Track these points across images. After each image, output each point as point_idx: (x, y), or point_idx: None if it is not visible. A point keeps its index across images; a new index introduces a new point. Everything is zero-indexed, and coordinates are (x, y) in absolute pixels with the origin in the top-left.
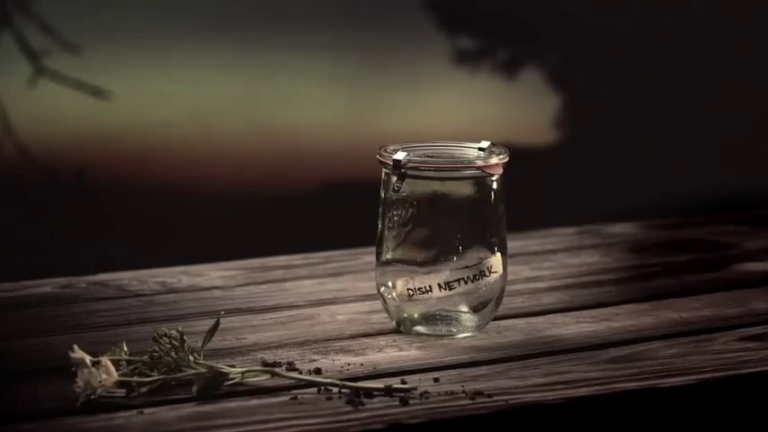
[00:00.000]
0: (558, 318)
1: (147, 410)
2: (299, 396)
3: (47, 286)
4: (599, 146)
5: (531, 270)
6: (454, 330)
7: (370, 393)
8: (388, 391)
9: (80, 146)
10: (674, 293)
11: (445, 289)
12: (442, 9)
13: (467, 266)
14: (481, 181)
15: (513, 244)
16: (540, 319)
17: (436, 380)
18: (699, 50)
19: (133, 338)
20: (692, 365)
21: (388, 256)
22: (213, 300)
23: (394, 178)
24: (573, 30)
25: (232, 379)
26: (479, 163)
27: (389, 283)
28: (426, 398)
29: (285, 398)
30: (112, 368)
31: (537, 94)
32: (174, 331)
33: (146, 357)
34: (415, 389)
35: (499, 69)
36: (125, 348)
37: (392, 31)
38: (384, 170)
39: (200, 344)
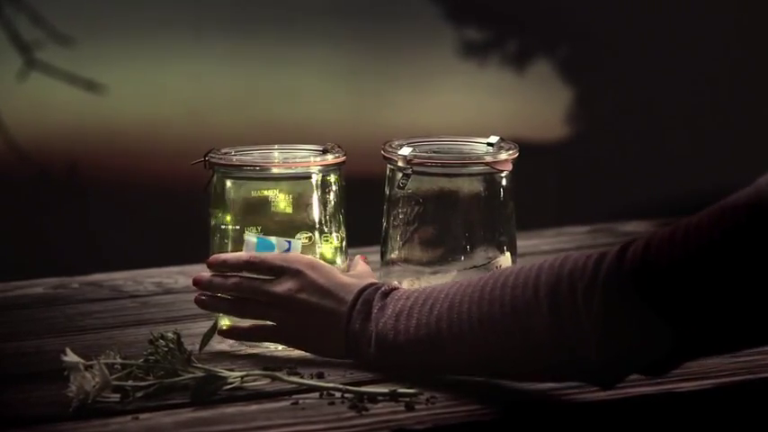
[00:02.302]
0: None
1: (142, 416)
2: (301, 401)
3: (39, 287)
4: (612, 141)
5: None
6: None
7: (374, 398)
8: (393, 396)
9: (73, 141)
10: None
11: None
12: None
13: (475, 266)
14: (490, 177)
15: (523, 243)
16: None
17: (445, 383)
18: (712, 48)
19: (128, 341)
20: (709, 369)
21: (393, 255)
22: None
23: (399, 175)
24: (585, 20)
25: (231, 383)
26: (488, 159)
27: (394, 284)
28: (433, 403)
29: (286, 403)
30: (106, 372)
31: (547, 87)
32: (170, 333)
33: (141, 361)
34: (421, 393)
35: (508, 62)
36: (119, 351)
37: (397, 22)
38: (389, 166)
39: (197, 347)
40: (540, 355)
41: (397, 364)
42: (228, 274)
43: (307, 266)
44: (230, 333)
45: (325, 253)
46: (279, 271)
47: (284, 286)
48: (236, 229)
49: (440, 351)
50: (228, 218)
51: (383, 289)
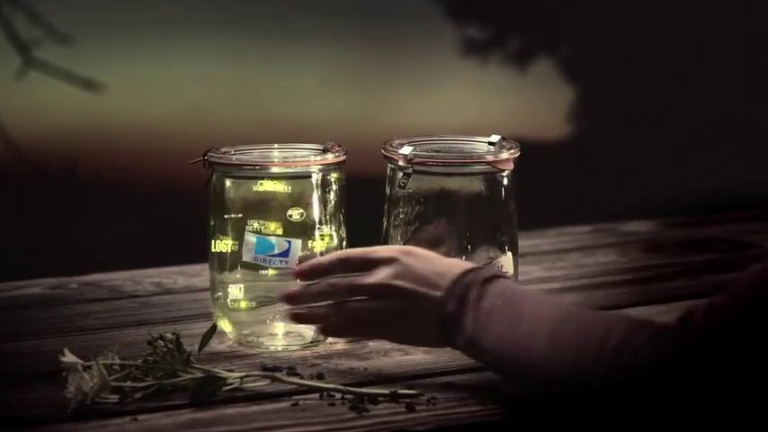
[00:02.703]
0: None
1: (141, 417)
2: (301, 402)
3: (37, 287)
4: (614, 140)
5: (544, 270)
6: None
7: (374, 399)
8: (394, 397)
9: (71, 140)
10: (693, 295)
11: None
12: None
13: None
14: (491, 177)
15: (525, 243)
16: None
17: (448, 385)
18: (713, 48)
19: (127, 342)
20: None
21: None
22: (210, 301)
23: (400, 174)
24: (587, 18)
25: (230, 384)
26: (489, 158)
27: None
28: (434, 404)
29: (286, 404)
30: (105, 373)
31: (549, 86)
32: (169, 334)
33: (140, 361)
34: (422, 394)
35: (510, 60)
36: (118, 352)
37: (397, 20)
38: (389, 165)
39: (196, 347)
40: (596, 407)
41: (481, 361)
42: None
43: (402, 253)
44: (328, 330)
45: (326, 253)
46: (372, 263)
47: (380, 275)
48: (235, 229)
49: (513, 369)
50: (228, 217)
51: (484, 275)
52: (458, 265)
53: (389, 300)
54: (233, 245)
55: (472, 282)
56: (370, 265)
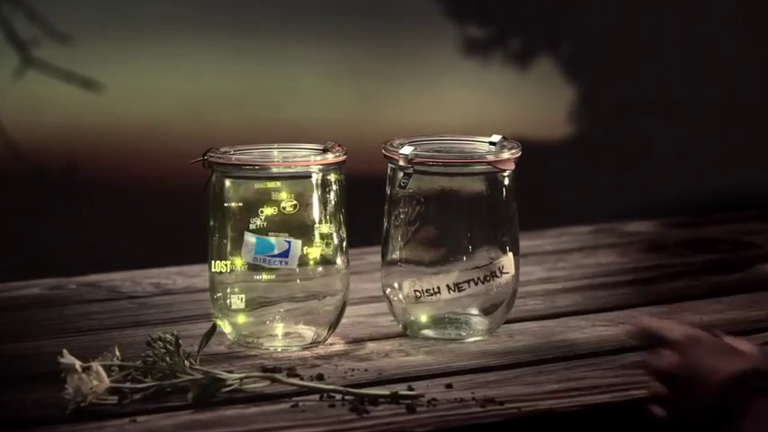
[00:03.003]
0: (573, 321)
1: (140, 418)
2: (301, 403)
3: (35, 287)
4: (615, 140)
5: (545, 271)
6: (464, 334)
7: (375, 400)
8: (395, 398)
9: (70, 140)
10: (694, 295)
11: (454, 290)
12: None
13: (477, 267)
14: (492, 177)
15: (526, 243)
16: (554, 322)
17: (449, 386)
18: (715, 47)
19: (126, 342)
20: None
21: (395, 255)
22: (209, 302)
23: (400, 174)
24: (588, 18)
25: (230, 385)
26: (490, 158)
27: (396, 285)
28: (434, 405)
29: (286, 405)
30: (104, 374)
31: (551, 85)
32: (168, 335)
33: (139, 363)
34: (422, 396)
35: (511, 59)
36: (117, 353)
37: (398, 19)
38: (390, 165)
39: (196, 348)
40: None
41: None
42: None
43: (689, 339)
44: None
45: (326, 253)
46: (660, 341)
47: (665, 360)
48: (235, 230)
49: None
50: (227, 217)
51: (753, 389)
52: (735, 360)
53: (671, 388)
54: (232, 245)
55: (737, 398)
56: (658, 342)
